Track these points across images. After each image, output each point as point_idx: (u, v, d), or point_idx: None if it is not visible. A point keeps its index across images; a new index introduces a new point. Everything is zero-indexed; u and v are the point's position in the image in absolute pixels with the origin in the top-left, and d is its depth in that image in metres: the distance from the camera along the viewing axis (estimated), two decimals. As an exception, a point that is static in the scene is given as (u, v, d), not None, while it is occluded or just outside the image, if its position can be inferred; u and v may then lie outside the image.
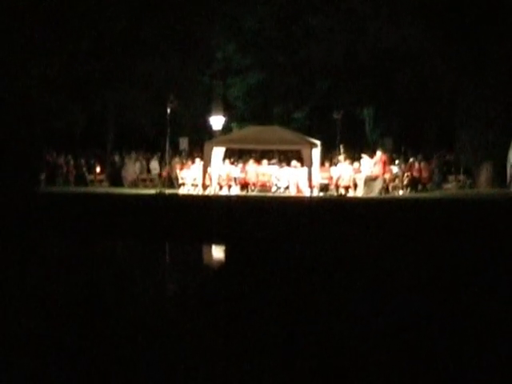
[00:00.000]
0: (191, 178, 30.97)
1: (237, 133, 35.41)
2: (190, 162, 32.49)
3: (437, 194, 29.38)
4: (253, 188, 30.57)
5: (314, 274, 7.53)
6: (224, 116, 38.47)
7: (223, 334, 5.01)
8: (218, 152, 30.66)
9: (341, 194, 28.87)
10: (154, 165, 35.70)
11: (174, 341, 4.85)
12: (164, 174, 34.47)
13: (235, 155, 34.12)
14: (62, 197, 23.71)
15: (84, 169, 35.81)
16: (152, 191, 27.88)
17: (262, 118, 39.01)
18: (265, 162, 31.51)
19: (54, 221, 13.55)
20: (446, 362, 4.44)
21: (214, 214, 16.32)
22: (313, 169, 29.01)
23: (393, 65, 36.35)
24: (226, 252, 10.04)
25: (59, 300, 6.49)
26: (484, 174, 31.88)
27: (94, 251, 10.59)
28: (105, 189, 32.10)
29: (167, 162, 33.56)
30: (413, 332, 5.07)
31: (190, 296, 6.48)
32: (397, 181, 30.24)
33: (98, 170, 36.61)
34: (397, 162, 31.47)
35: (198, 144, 34.10)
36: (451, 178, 33.38)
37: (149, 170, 36.00)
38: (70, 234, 12.06)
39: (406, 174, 30.99)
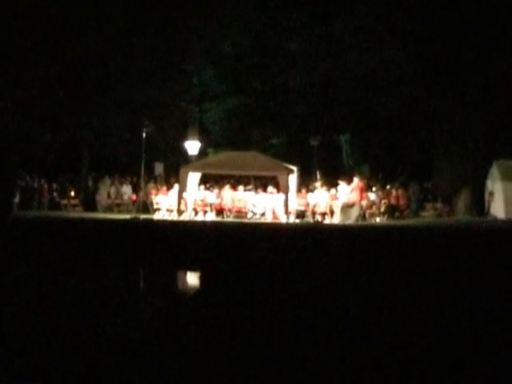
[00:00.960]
0: (167, 204, 30.73)
1: (213, 158, 35.19)
2: (164, 188, 32.27)
3: (414, 221, 29.33)
4: (228, 214, 30.39)
5: (290, 301, 7.29)
6: (200, 141, 38.26)
7: (198, 360, 4.73)
8: (193, 177, 30.45)
9: (317, 221, 28.77)
10: (126, 189, 35.35)
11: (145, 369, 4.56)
12: (134, 197, 34.18)
13: (211, 181, 33.93)
14: (35, 222, 23.35)
15: (55, 193, 35.42)
16: (126, 216, 27.62)
17: (238, 143, 38.88)
18: (241, 187, 31.40)
19: (26, 246, 13.26)
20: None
21: (188, 239, 16.09)
22: (289, 195, 28.89)
23: (370, 91, 36.44)
24: (201, 278, 9.76)
25: (28, 327, 6.19)
26: (462, 201, 31.93)
27: (66, 278, 10.25)
28: (78, 213, 31.76)
29: (142, 186, 33.27)
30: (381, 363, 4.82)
31: (161, 323, 6.20)
32: (374, 208, 30.21)
33: (72, 194, 36.24)
34: (374, 188, 31.46)
35: (174, 169, 33.85)
36: (429, 205, 33.39)
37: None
38: (42, 260, 11.72)
39: (383, 201, 30.98)
